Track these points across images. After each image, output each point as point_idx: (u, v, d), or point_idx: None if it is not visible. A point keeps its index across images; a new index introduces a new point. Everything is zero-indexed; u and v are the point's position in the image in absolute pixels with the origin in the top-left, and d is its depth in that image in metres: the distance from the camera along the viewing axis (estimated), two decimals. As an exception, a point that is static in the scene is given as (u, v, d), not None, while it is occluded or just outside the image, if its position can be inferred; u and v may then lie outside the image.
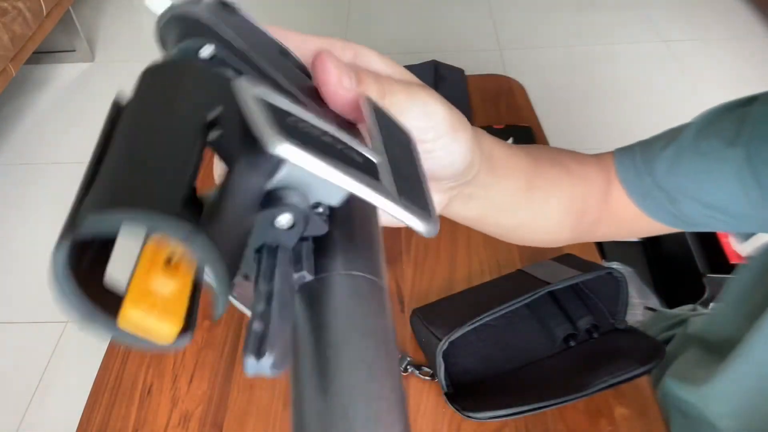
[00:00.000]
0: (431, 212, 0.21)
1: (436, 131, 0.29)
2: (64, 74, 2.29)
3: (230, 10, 0.25)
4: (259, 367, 0.17)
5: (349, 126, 0.27)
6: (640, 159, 0.47)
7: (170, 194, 0.15)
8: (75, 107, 2.15)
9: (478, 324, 0.58)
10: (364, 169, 0.20)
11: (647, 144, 0.48)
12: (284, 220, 0.20)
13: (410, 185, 0.22)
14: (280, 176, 0.20)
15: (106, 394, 0.64)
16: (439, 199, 0.35)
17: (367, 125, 0.23)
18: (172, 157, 0.16)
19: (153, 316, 0.15)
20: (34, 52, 1.95)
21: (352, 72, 0.26)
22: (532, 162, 0.41)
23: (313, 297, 0.21)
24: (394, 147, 0.23)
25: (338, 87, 0.25)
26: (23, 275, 1.65)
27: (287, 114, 0.19)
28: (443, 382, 0.59)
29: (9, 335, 1.53)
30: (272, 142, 0.17)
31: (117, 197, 0.15)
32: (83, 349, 1.45)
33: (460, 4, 2.48)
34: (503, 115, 0.96)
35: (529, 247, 0.75)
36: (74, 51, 2.32)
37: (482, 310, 0.58)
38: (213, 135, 0.18)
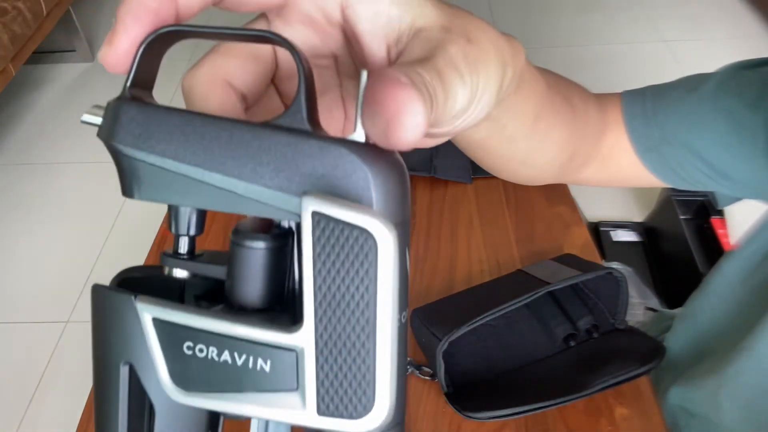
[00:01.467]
0: (376, 401, 0.18)
1: (484, 99, 0.22)
2: (64, 74, 2.30)
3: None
4: None
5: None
6: (651, 107, 0.44)
7: None
8: (75, 107, 2.15)
9: (478, 324, 0.58)
10: (275, 383, 0.18)
11: (659, 92, 0.45)
12: None
13: (349, 365, 0.18)
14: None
15: (106, 394, 0.64)
16: None
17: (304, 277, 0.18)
18: None
19: None
20: (34, 52, 1.95)
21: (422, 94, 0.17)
22: (546, 89, 0.36)
23: None
24: (335, 305, 0.18)
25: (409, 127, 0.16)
26: (23, 275, 1.65)
27: (185, 337, 0.19)
28: (443, 382, 0.59)
29: (9, 335, 1.53)
30: (174, 396, 0.19)
31: None
32: (83, 349, 1.45)
33: (459, 4, 2.47)
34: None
35: (529, 247, 0.75)
36: (74, 51, 2.32)
37: (482, 310, 0.58)
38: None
